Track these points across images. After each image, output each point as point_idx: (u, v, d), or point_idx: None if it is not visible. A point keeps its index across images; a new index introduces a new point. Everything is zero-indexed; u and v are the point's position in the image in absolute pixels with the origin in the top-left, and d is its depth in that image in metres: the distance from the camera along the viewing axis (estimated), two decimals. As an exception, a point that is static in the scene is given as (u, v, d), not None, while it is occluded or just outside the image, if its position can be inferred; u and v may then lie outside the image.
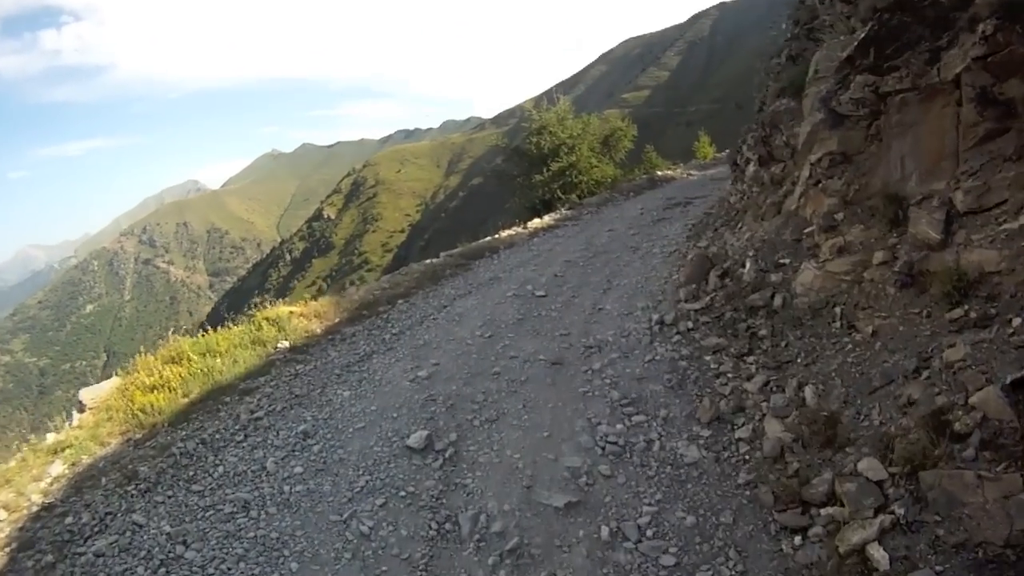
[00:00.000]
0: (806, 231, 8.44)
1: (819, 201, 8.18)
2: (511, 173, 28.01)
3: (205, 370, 9.81)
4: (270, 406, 8.52)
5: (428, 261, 14.43)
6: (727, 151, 28.70)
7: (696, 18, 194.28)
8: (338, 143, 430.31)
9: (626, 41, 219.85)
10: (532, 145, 26.35)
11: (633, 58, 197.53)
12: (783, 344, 7.56)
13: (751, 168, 12.23)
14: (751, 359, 7.71)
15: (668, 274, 11.33)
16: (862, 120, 7.69)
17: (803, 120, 8.94)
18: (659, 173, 24.08)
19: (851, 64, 7.73)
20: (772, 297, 8.31)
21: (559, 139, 25.65)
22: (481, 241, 16.10)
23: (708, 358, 8.05)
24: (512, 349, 9.08)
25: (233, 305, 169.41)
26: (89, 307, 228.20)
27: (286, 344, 10.44)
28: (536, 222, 17.49)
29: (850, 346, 6.65)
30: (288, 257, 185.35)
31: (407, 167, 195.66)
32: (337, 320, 11.27)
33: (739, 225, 11.48)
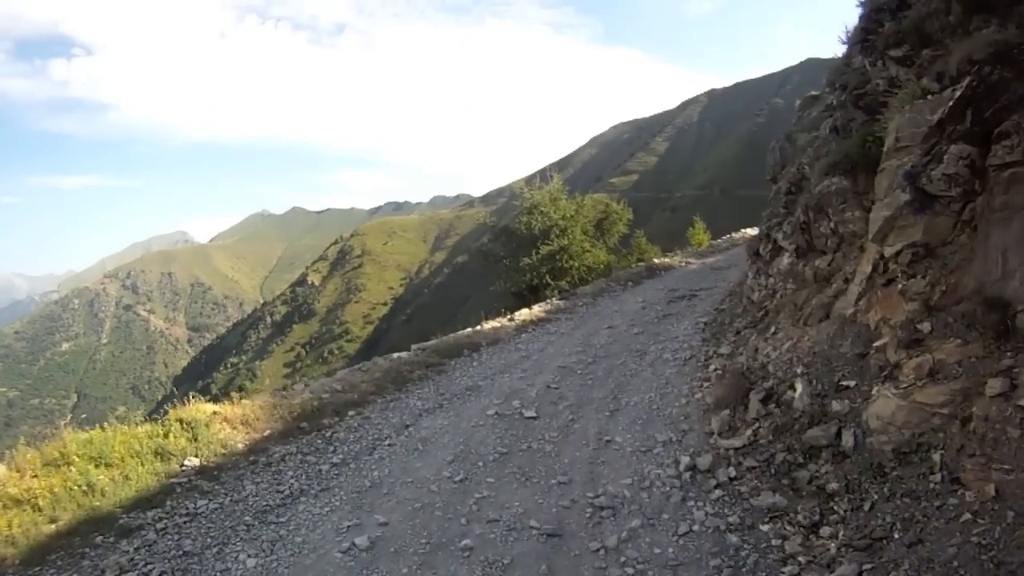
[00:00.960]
0: (875, 344, 6.31)
1: (893, 306, 6.27)
2: (498, 254, 25.76)
3: (86, 486, 7.17)
4: (146, 566, 5.82)
5: (395, 356, 11.85)
6: (724, 238, 26.83)
7: (685, 104, 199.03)
8: (328, 210, 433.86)
9: (616, 125, 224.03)
10: (522, 225, 24.20)
11: (623, 142, 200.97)
12: (867, 507, 5.16)
13: (785, 260, 10.25)
14: (827, 531, 5.26)
15: (689, 390, 9.01)
16: (953, 202, 5.78)
17: (875, 202, 6.95)
18: (656, 261, 21.89)
19: (941, 131, 5.85)
20: (838, 434, 6.04)
21: (551, 220, 23.54)
22: (460, 334, 13.56)
23: (765, 528, 5.57)
24: (491, 505, 6.36)
25: (210, 363, 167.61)
26: (65, 345, 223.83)
27: (195, 462, 7.77)
28: (524, 313, 15.03)
29: (967, 515, 4.37)
30: (269, 320, 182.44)
31: (394, 239, 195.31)
32: (267, 432, 8.55)
33: (772, 329, 9.33)
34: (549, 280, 22.45)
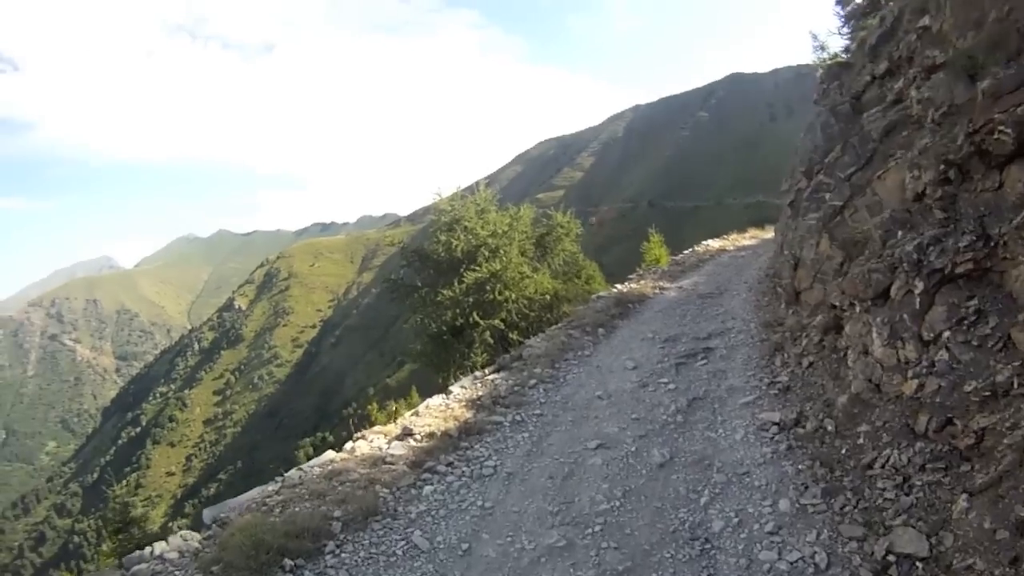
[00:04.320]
0: None
1: None
2: (412, 284, 18.71)
3: None
4: None
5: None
6: (686, 252, 20.06)
7: (611, 120, 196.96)
8: (255, 232, 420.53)
9: (542, 142, 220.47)
10: (440, 245, 17.29)
11: (548, 159, 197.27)
12: None
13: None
14: None
15: None
16: None
17: None
18: (622, 289, 15.15)
19: None
20: None
21: (478, 238, 16.71)
22: (301, 484, 6.08)
23: None
24: None
25: (139, 393, 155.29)
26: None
27: None
28: (433, 414, 7.73)
29: None
30: (197, 347, 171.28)
31: (321, 261, 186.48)
32: None
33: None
34: (478, 319, 15.72)
